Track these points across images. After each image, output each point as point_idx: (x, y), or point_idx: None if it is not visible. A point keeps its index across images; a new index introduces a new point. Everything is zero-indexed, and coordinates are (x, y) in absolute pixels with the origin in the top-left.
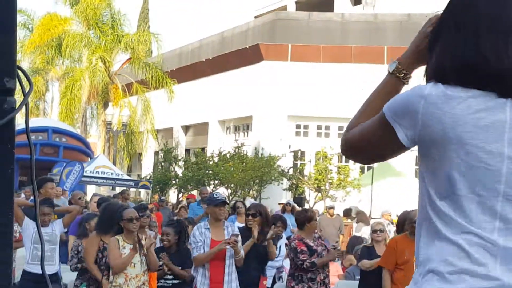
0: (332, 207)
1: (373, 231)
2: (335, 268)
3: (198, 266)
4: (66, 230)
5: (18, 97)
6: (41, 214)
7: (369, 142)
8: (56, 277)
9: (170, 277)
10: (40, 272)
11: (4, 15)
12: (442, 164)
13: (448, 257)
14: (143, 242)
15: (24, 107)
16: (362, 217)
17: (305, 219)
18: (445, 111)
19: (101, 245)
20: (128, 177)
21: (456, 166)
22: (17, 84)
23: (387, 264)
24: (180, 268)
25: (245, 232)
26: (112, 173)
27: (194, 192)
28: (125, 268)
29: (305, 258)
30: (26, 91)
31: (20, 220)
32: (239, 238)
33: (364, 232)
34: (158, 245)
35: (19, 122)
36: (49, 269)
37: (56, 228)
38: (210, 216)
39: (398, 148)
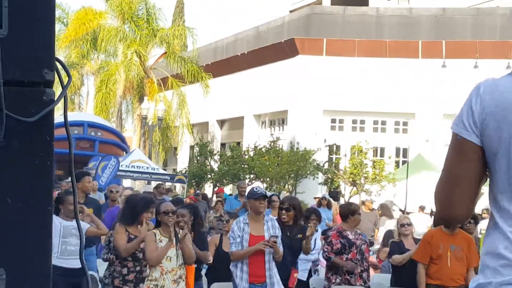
0: (372, 201)
1: (401, 225)
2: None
3: (236, 261)
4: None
5: (55, 90)
6: (69, 204)
7: (452, 174)
8: (82, 271)
9: None
10: (69, 266)
11: (44, 8)
12: (499, 157)
13: (500, 251)
14: (179, 235)
15: (62, 99)
16: (385, 211)
17: (349, 212)
18: (496, 105)
19: (127, 235)
20: (163, 171)
21: (509, 156)
22: (56, 76)
23: (422, 258)
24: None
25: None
26: (147, 167)
27: (230, 187)
28: (161, 260)
29: (326, 250)
30: (65, 84)
31: None
32: (279, 240)
33: (388, 225)
34: None
35: (55, 116)
36: (76, 263)
37: (81, 224)
38: (250, 210)
39: (478, 155)
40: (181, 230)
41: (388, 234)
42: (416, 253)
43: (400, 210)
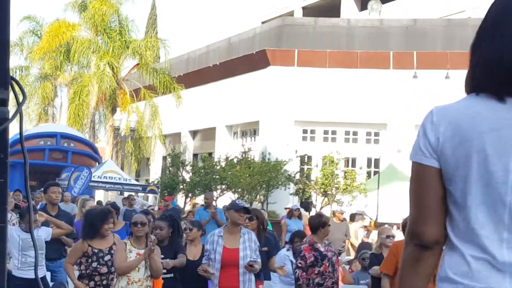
0: (342, 212)
1: (387, 236)
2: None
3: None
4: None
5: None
6: (26, 221)
7: (419, 201)
8: (44, 281)
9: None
10: (30, 277)
11: None
12: (457, 179)
13: (454, 274)
14: (148, 248)
15: (18, 117)
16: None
17: (320, 224)
18: (451, 129)
19: (89, 250)
20: (135, 182)
21: (467, 178)
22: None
23: (387, 269)
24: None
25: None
26: (119, 178)
27: (202, 197)
28: (130, 272)
29: (301, 265)
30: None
31: None
32: (257, 253)
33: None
34: None
35: (27, 128)
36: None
37: (41, 233)
38: (229, 221)
39: (440, 178)
40: (149, 243)
41: (362, 246)
42: (382, 264)
43: (371, 220)
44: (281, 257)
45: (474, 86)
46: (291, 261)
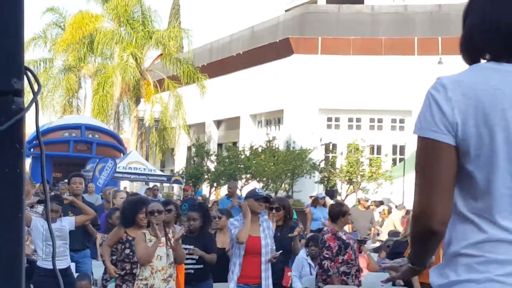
0: (367, 200)
1: None
2: (362, 259)
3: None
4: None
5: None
6: (50, 209)
7: (431, 178)
8: (69, 272)
9: (192, 261)
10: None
11: (11, 19)
12: (479, 156)
13: (473, 249)
14: (170, 235)
15: (33, 107)
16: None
17: (340, 213)
18: (474, 105)
19: (124, 237)
20: (160, 173)
21: (493, 157)
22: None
23: None
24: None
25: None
26: (144, 169)
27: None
28: (151, 259)
29: (328, 255)
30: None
31: (28, 221)
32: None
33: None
34: None
35: (52, 119)
36: (62, 264)
37: (64, 223)
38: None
39: (455, 156)
40: (170, 231)
41: (393, 234)
42: (408, 250)
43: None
44: (299, 261)
45: (472, 52)
46: (309, 264)
